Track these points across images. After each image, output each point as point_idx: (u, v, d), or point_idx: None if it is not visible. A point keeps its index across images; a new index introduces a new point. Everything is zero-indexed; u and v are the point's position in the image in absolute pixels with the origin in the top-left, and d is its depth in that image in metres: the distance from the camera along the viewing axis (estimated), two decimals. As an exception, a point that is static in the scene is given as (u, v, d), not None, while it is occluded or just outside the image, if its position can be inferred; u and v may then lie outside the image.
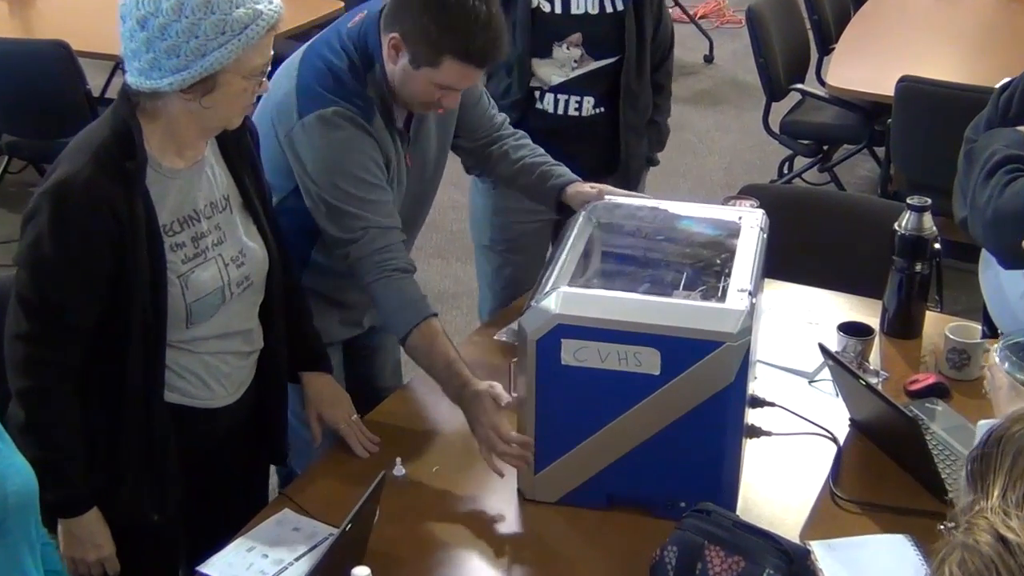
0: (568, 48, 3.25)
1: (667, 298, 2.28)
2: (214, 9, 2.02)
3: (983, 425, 2.01)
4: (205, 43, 2.02)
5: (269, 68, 2.14)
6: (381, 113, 2.52)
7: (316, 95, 2.47)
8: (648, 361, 2.14)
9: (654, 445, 2.21)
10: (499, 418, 2.33)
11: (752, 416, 2.41)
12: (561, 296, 2.19)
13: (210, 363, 2.28)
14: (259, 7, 2.06)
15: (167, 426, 2.22)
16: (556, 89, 3.29)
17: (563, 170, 2.81)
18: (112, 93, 5.85)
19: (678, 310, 2.18)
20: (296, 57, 2.56)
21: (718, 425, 2.17)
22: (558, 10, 3.22)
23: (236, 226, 2.28)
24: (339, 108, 2.45)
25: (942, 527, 1.63)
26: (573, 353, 2.16)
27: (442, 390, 2.43)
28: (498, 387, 2.37)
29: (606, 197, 2.64)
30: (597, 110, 3.33)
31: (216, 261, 2.22)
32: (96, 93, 4.99)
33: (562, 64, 3.26)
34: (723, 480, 2.22)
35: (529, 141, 2.89)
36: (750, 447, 2.41)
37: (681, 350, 2.12)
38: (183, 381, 2.26)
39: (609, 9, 3.24)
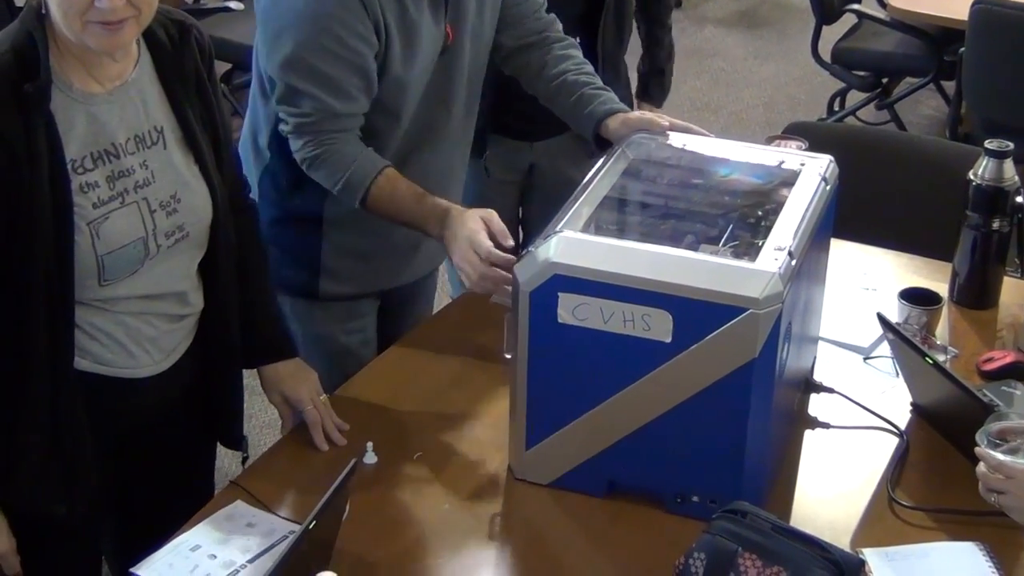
0: None
1: (684, 252, 2.24)
2: None
3: None
4: None
5: None
6: None
7: None
8: (658, 325, 2.11)
9: (664, 426, 2.19)
10: (487, 239, 2.42)
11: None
12: (560, 242, 2.17)
13: (131, 324, 2.23)
14: None
15: (76, 398, 2.18)
16: None
17: (608, 96, 2.74)
18: None
19: (696, 267, 2.14)
20: None
21: (740, 406, 2.14)
22: None
23: (171, 165, 2.21)
24: None
25: None
26: (572, 310, 2.14)
27: (423, 230, 2.54)
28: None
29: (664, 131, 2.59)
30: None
31: (139, 206, 2.16)
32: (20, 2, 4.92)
33: None
34: (746, 473, 2.19)
35: (576, 52, 2.83)
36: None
37: (697, 315, 2.09)
38: (95, 344, 2.21)
39: None
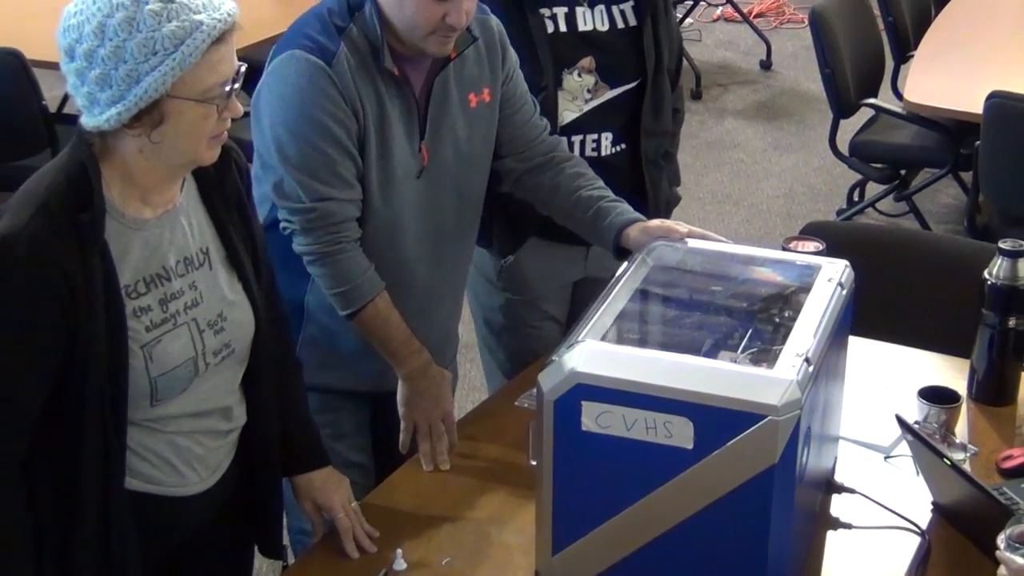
0: (580, 75, 3.12)
1: (704, 360, 2.28)
2: (139, 27, 2.00)
3: None
4: (135, 67, 2.00)
5: (234, 85, 2.10)
6: (371, 55, 2.60)
7: (290, 37, 2.61)
8: (680, 432, 2.13)
9: (688, 531, 2.20)
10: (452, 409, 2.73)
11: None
12: (583, 351, 2.20)
13: (180, 444, 2.27)
14: (198, 18, 2.02)
15: (128, 519, 2.20)
16: (569, 129, 3.12)
17: (624, 208, 2.81)
18: (71, 108, 5.86)
19: (715, 375, 2.17)
20: None
21: (761, 511, 2.16)
22: (563, 28, 3.07)
23: (217, 284, 2.26)
24: (298, 50, 2.57)
25: None
26: (595, 418, 2.17)
27: (395, 365, 2.72)
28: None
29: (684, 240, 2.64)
30: (617, 147, 3.20)
31: (188, 327, 2.21)
32: (53, 108, 5.02)
33: (574, 96, 3.13)
34: (769, 577, 2.21)
35: (586, 169, 2.91)
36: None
37: (717, 422, 2.11)
38: (146, 465, 2.24)
39: (620, 24, 3.13)
